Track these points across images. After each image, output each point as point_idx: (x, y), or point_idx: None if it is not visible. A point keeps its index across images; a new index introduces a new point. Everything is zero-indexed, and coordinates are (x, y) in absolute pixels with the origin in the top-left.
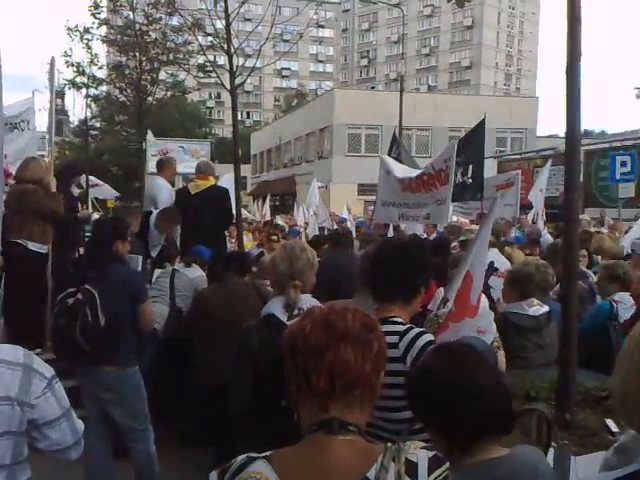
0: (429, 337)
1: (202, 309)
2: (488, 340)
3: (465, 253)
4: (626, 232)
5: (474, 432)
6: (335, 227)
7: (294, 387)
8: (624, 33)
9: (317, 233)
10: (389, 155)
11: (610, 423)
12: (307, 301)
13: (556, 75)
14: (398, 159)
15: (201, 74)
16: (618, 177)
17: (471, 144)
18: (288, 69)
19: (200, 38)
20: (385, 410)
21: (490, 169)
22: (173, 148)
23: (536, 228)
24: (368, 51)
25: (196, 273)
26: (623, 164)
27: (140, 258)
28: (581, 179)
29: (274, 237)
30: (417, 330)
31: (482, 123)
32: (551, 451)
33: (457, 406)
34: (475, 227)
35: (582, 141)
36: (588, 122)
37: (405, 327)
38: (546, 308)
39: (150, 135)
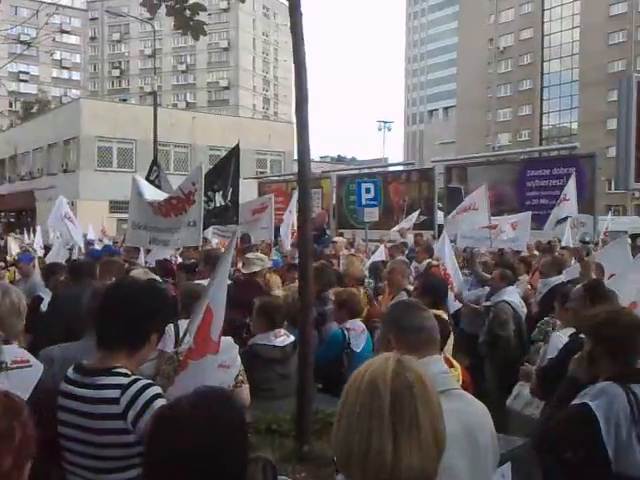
0: (155, 390)
1: None
2: (232, 374)
3: (205, 287)
4: (373, 253)
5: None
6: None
7: None
8: (372, 71)
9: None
10: (147, 177)
11: None
12: (12, 353)
13: (310, 100)
14: (156, 182)
15: None
16: (364, 202)
17: (229, 168)
18: (27, 73)
19: None
20: (103, 472)
21: (251, 190)
22: None
23: (294, 250)
24: (120, 62)
25: None
26: (367, 190)
27: None
28: (334, 201)
29: (1, 264)
30: (142, 383)
31: (236, 148)
32: None
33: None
34: None
35: (336, 167)
36: (341, 149)
37: (129, 380)
38: (292, 338)
39: None
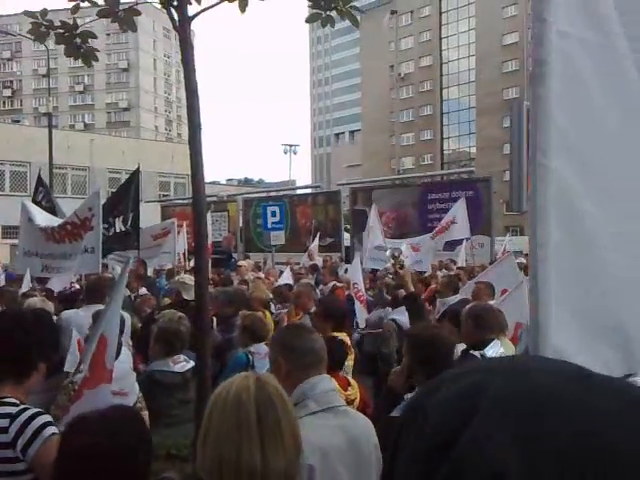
0: (45, 418)
1: None
2: (130, 401)
3: (99, 316)
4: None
5: None
6: None
7: None
8: (278, 94)
9: None
10: (34, 199)
11: None
12: None
13: (211, 124)
14: (43, 203)
15: None
16: (270, 226)
17: (129, 192)
18: None
19: None
20: None
21: (153, 213)
22: None
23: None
24: (12, 81)
25: None
26: (273, 214)
27: None
28: (241, 225)
29: None
30: (32, 411)
31: (136, 171)
32: None
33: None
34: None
35: (242, 189)
36: (249, 172)
37: (17, 409)
38: (192, 363)
39: None
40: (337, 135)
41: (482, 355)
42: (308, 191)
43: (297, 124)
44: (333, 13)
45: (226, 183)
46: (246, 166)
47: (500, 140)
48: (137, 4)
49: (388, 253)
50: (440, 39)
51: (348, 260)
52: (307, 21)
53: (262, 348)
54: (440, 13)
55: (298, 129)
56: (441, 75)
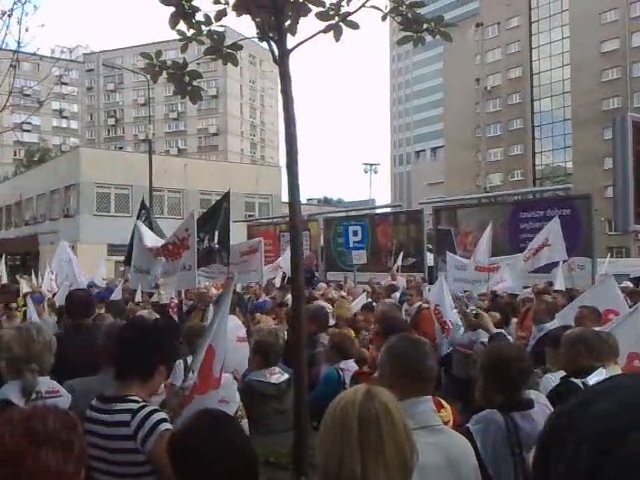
0: (161, 415)
1: None
2: (232, 409)
3: (207, 325)
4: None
5: None
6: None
7: None
8: (357, 113)
9: None
10: (137, 220)
11: None
12: (46, 384)
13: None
14: (146, 224)
15: None
16: (351, 245)
17: (218, 212)
18: (29, 123)
19: None
20: None
21: (240, 233)
22: None
23: (284, 293)
24: (115, 111)
25: None
26: (355, 233)
27: None
28: (322, 244)
29: (14, 304)
30: (150, 409)
31: (227, 194)
32: None
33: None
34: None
35: (323, 209)
36: (327, 191)
37: (139, 405)
38: (286, 376)
39: None
40: (418, 152)
41: (584, 384)
42: (388, 210)
43: (376, 142)
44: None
45: (306, 202)
46: (325, 185)
47: (600, 154)
48: (240, 40)
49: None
50: (530, 49)
51: (431, 281)
52: (398, 43)
53: (351, 365)
54: (530, 23)
55: (377, 147)
56: (532, 87)
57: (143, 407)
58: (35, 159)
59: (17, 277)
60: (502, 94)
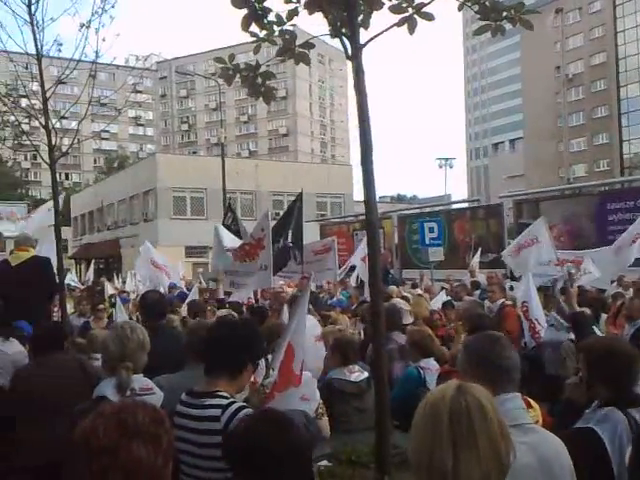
0: (249, 411)
1: (21, 388)
2: (312, 407)
3: (286, 324)
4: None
5: None
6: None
7: None
8: (429, 109)
9: None
10: (224, 222)
11: None
12: (140, 381)
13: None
14: (233, 227)
15: (15, 143)
16: (427, 242)
17: (293, 212)
18: (107, 131)
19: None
20: None
21: (313, 233)
22: None
23: (360, 291)
24: (188, 117)
25: (14, 348)
26: (431, 230)
27: None
28: (396, 241)
29: (101, 306)
30: (238, 404)
31: (300, 195)
32: None
33: (267, 468)
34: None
35: (397, 206)
36: (400, 188)
37: (228, 401)
38: (366, 374)
39: None
40: (495, 145)
41: None
42: (465, 205)
43: (451, 136)
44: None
45: (379, 200)
46: (398, 183)
47: None
48: (312, 38)
49: (565, 269)
50: (615, 34)
51: (513, 277)
52: (475, 33)
53: (432, 364)
54: (614, 6)
55: (452, 141)
56: (617, 72)
57: (232, 403)
58: (114, 166)
59: (100, 280)
60: (585, 81)
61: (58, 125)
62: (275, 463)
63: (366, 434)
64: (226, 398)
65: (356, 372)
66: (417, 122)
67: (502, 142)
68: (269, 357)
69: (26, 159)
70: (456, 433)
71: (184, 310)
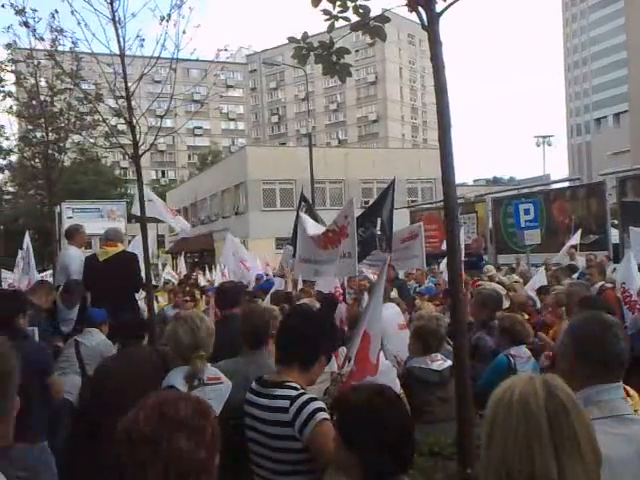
0: (319, 404)
1: (102, 380)
2: None
3: (362, 313)
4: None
5: (390, 467)
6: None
7: (130, 477)
8: (526, 85)
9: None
10: (297, 212)
11: None
12: (209, 371)
13: (460, 124)
14: (309, 215)
15: (107, 143)
16: (523, 225)
17: (384, 200)
18: (200, 128)
19: (104, 106)
20: (276, 474)
21: (403, 219)
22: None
23: None
24: (278, 108)
25: (97, 339)
26: (526, 212)
27: (36, 330)
28: (490, 226)
29: (187, 298)
30: (308, 396)
31: (392, 183)
32: None
33: (381, 441)
34: None
35: (492, 189)
36: (497, 170)
37: (297, 392)
38: (449, 362)
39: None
40: (598, 120)
41: None
42: (565, 184)
43: (549, 113)
44: None
45: (473, 184)
46: (494, 165)
47: None
48: (386, 11)
49: None
50: None
51: (617, 259)
52: None
53: (523, 351)
54: None
55: (550, 118)
56: None
57: (302, 394)
58: (207, 161)
59: (194, 273)
60: None
61: (143, 122)
62: (390, 439)
63: (448, 424)
64: (296, 389)
65: (439, 360)
66: (513, 99)
67: (605, 117)
68: (342, 348)
69: (124, 158)
70: (556, 436)
71: (267, 301)
